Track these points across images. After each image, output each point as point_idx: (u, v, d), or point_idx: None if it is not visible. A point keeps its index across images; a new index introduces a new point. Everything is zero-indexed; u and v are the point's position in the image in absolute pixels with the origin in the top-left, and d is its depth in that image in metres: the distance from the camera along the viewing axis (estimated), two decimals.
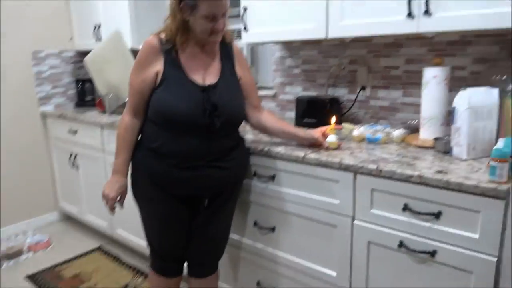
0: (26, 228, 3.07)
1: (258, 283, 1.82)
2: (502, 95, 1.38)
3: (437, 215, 1.22)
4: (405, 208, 1.28)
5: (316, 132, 1.58)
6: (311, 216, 1.55)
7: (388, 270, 1.37)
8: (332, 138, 1.56)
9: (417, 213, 1.26)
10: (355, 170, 1.38)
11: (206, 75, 1.48)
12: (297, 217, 1.60)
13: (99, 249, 2.77)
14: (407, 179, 1.26)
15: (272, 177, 1.64)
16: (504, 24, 1.28)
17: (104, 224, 2.71)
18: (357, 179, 1.39)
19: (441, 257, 1.23)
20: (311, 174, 1.52)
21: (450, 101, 1.54)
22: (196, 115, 1.41)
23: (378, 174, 1.32)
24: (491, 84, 1.48)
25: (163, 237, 1.60)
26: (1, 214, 2.93)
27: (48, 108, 3.11)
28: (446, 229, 1.21)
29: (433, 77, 1.54)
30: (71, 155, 2.85)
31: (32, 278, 2.44)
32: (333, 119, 1.63)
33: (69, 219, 3.27)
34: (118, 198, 1.58)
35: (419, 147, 1.54)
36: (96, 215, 2.80)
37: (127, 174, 1.58)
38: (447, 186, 1.17)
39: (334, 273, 1.53)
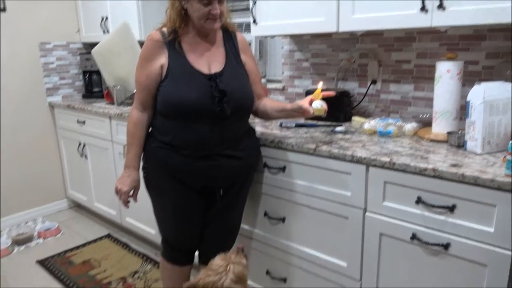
0: (36, 215, 3.11)
1: (267, 272, 1.84)
2: None
3: (451, 208, 1.23)
4: (419, 201, 1.29)
5: (303, 101, 1.52)
6: (322, 208, 1.57)
7: (400, 262, 1.39)
8: (317, 104, 1.48)
9: (430, 206, 1.27)
10: (368, 163, 1.39)
11: (211, 64, 1.49)
12: (308, 208, 1.62)
13: (108, 236, 2.80)
14: (421, 172, 1.27)
15: (283, 169, 1.65)
16: None
17: (113, 212, 2.74)
18: (369, 171, 1.40)
19: (454, 250, 1.24)
20: (323, 166, 1.53)
21: (463, 95, 1.55)
22: (205, 103, 1.42)
23: (391, 167, 1.33)
24: (505, 79, 1.48)
25: (177, 228, 1.62)
26: (11, 201, 2.97)
27: (56, 99, 3.13)
28: (460, 222, 1.22)
29: (446, 71, 1.54)
30: (79, 144, 2.87)
31: (42, 263, 2.47)
32: (320, 84, 1.54)
33: (78, 207, 3.31)
34: (131, 192, 1.60)
35: (432, 141, 1.55)
36: (104, 204, 2.82)
37: (138, 168, 1.59)
38: (462, 180, 1.18)
39: (344, 264, 1.54)
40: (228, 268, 1.12)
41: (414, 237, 1.32)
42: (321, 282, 1.65)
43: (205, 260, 1.71)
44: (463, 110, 1.58)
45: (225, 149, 1.49)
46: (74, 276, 2.32)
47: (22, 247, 2.68)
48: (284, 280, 1.78)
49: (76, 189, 3.12)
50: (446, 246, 1.25)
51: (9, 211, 2.98)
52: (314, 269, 1.66)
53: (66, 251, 2.60)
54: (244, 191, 1.67)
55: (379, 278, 1.46)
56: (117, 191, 1.59)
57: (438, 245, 1.27)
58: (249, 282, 1.92)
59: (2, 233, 2.87)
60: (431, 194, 1.27)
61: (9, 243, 2.65)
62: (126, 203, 1.61)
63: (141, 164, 1.60)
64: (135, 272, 2.34)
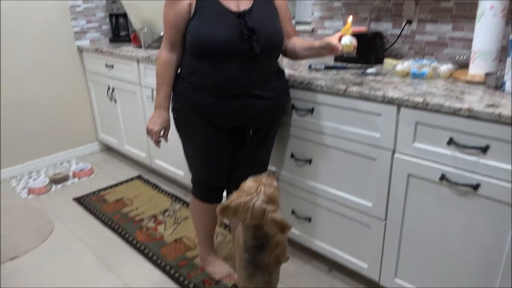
0: (70, 157, 3.26)
1: (292, 212, 1.90)
2: None
3: (483, 149, 1.21)
4: (450, 142, 1.27)
5: (332, 37, 1.47)
6: (349, 149, 1.57)
7: (426, 203, 1.40)
8: (346, 40, 1.43)
9: (462, 147, 1.25)
10: (400, 103, 1.36)
11: (240, 2, 1.45)
12: (335, 150, 1.62)
13: (138, 177, 2.92)
14: (455, 113, 1.23)
15: (311, 111, 1.64)
16: None
17: (143, 155, 2.83)
18: (400, 112, 1.38)
19: (484, 191, 1.24)
20: (352, 108, 1.51)
21: (505, 35, 1.47)
22: (234, 42, 1.40)
23: (424, 107, 1.30)
24: None
25: (206, 167, 1.66)
26: (46, 143, 3.10)
27: (84, 43, 3.14)
28: (492, 163, 1.20)
29: (489, 8, 1.45)
30: (108, 88, 2.92)
31: (78, 200, 2.63)
32: (350, 18, 1.48)
33: (109, 150, 3.44)
34: (162, 132, 1.63)
35: (468, 82, 1.49)
36: (134, 147, 2.92)
37: (169, 108, 1.62)
38: (499, 120, 1.15)
39: (370, 204, 1.57)
40: (259, 189, 1.13)
41: (443, 178, 1.31)
42: (346, 221, 1.69)
43: None
44: (503, 52, 1.51)
45: (254, 89, 1.49)
46: (108, 213, 2.46)
47: (59, 186, 2.83)
48: (309, 219, 1.83)
49: (107, 132, 3.22)
50: (476, 187, 1.24)
51: (45, 152, 3.13)
52: (339, 209, 1.69)
53: (100, 190, 2.74)
54: (273, 132, 1.68)
55: (404, 218, 1.48)
56: (148, 131, 1.62)
57: (467, 185, 1.26)
58: None
59: (39, 172, 3.04)
60: (463, 135, 1.25)
61: (47, 182, 2.80)
62: (157, 143, 1.65)
63: (171, 105, 1.62)
64: (165, 211, 2.46)
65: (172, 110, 1.62)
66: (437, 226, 1.39)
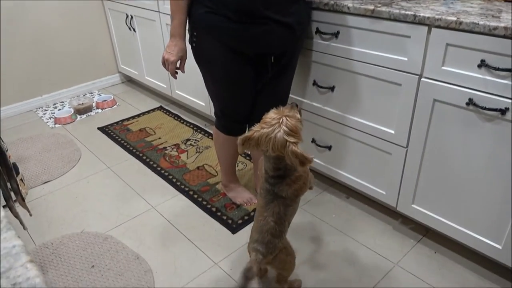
0: (92, 88, 3.30)
1: (313, 141, 1.91)
2: None
3: None
4: (481, 64, 1.22)
5: None
6: (374, 75, 1.53)
7: (450, 129, 1.38)
8: None
9: (494, 69, 1.19)
10: (431, 23, 1.29)
11: None
12: (359, 76, 1.58)
13: (160, 108, 2.96)
14: (490, 32, 1.16)
15: (336, 34, 1.58)
16: None
17: (164, 85, 2.84)
18: (431, 33, 1.31)
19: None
20: (379, 30, 1.44)
21: None
22: None
23: (457, 27, 1.23)
24: None
25: (229, 96, 1.63)
26: (68, 75, 3.14)
27: None
28: None
29: None
30: (127, 17, 2.86)
31: (103, 129, 2.70)
32: None
33: (130, 81, 3.46)
34: (179, 62, 1.58)
35: (507, 1, 1.39)
36: (155, 78, 2.92)
37: (184, 36, 1.55)
38: None
39: (392, 131, 1.56)
40: (281, 120, 1.12)
41: (470, 102, 1.27)
42: (367, 149, 1.69)
43: None
44: None
45: (274, 12, 1.41)
46: (132, 142, 2.53)
47: (84, 116, 2.91)
48: (329, 147, 1.85)
49: (127, 64, 3.21)
50: (504, 111, 1.21)
51: (67, 84, 3.17)
52: (360, 137, 1.69)
53: (123, 120, 2.81)
54: (295, 59, 1.64)
55: (426, 145, 1.47)
56: (164, 62, 1.57)
57: (495, 110, 1.22)
58: None
59: (64, 103, 3.11)
60: (496, 56, 1.19)
61: (72, 112, 2.87)
62: (174, 74, 1.60)
63: (188, 35, 1.54)
64: (187, 140, 2.51)
65: (190, 39, 1.54)
66: (459, 153, 1.38)
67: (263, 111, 1.68)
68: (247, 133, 1.17)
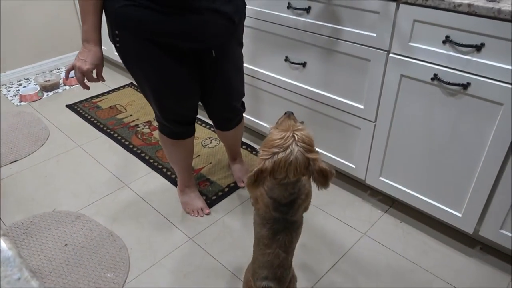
0: (58, 64, 3.18)
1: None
2: None
3: (478, 48, 1.20)
4: (446, 40, 1.26)
5: None
6: (344, 51, 1.55)
7: (415, 104, 1.43)
8: None
9: (457, 45, 1.24)
10: None
11: None
12: (330, 51, 1.60)
13: (131, 84, 2.90)
14: (454, 8, 1.20)
15: (308, 9, 1.59)
16: None
17: None
18: (399, 9, 1.33)
19: (473, 90, 1.26)
20: (350, 5, 1.46)
21: None
22: None
23: (423, 3, 1.26)
24: None
25: (166, 100, 1.44)
26: (32, 50, 3.00)
27: None
28: (485, 61, 1.21)
29: None
30: None
31: (71, 107, 2.63)
32: None
33: None
34: (94, 71, 1.35)
35: None
36: None
37: (100, 41, 1.33)
38: (497, 16, 1.12)
39: (361, 106, 1.60)
40: (295, 137, 0.93)
41: (435, 77, 1.32)
42: (337, 124, 1.73)
43: (220, 126, 1.72)
44: None
45: (208, 1, 1.24)
46: (103, 119, 2.48)
47: (51, 93, 2.81)
48: (301, 123, 1.87)
49: None
50: (466, 86, 1.26)
51: (32, 60, 3.04)
52: (331, 112, 1.72)
53: (92, 97, 2.74)
54: (238, 49, 1.51)
55: (393, 119, 1.52)
56: (76, 70, 1.31)
57: (458, 85, 1.28)
58: (270, 129, 2.02)
59: (29, 79, 2.99)
60: (460, 33, 1.23)
61: (38, 89, 2.77)
62: (84, 84, 1.36)
63: (110, 33, 1.33)
64: None
65: (113, 39, 1.32)
66: (424, 127, 1.44)
67: (219, 109, 1.57)
68: (256, 168, 0.94)
